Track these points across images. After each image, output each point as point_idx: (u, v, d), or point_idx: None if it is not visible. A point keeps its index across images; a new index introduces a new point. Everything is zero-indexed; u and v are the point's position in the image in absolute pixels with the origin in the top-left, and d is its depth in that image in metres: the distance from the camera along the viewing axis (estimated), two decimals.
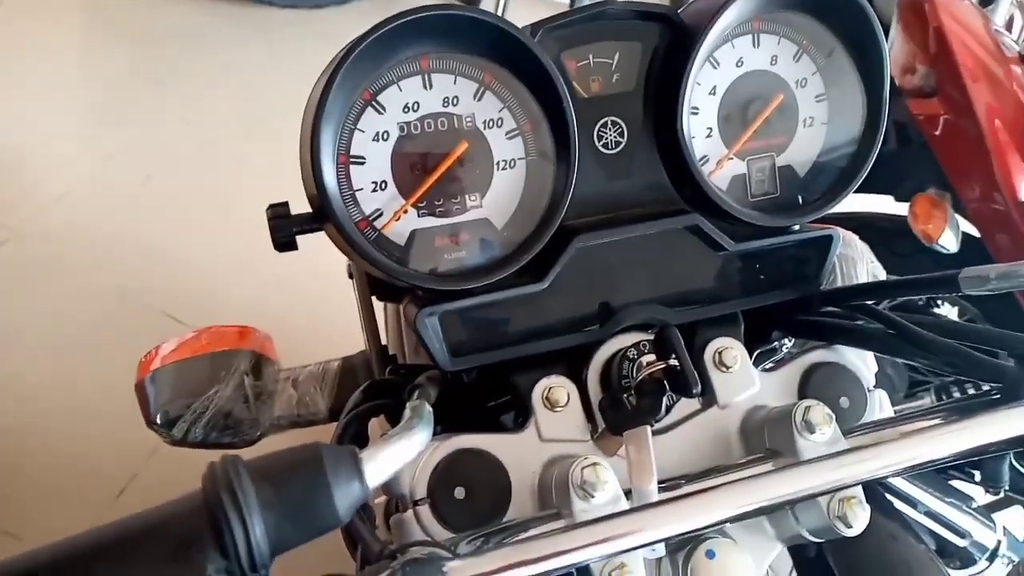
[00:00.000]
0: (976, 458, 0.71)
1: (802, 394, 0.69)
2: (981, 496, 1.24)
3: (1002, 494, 0.89)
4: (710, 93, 0.67)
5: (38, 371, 2.08)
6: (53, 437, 1.96)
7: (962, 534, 1.12)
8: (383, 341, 0.89)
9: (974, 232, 1.71)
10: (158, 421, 0.79)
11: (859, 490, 0.57)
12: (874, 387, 0.71)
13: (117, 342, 2.12)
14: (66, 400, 2.03)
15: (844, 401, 0.69)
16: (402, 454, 0.45)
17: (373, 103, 0.59)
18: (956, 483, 1.21)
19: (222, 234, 2.36)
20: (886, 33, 1.85)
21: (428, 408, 0.52)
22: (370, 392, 0.68)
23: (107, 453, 1.97)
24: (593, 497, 0.54)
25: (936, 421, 0.59)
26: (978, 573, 0.99)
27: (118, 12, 3.02)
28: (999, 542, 1.07)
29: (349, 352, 0.89)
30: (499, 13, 3.26)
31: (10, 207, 2.32)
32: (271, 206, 0.62)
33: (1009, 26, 2.43)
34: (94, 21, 3.00)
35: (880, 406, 0.71)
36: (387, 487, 0.62)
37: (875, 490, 0.77)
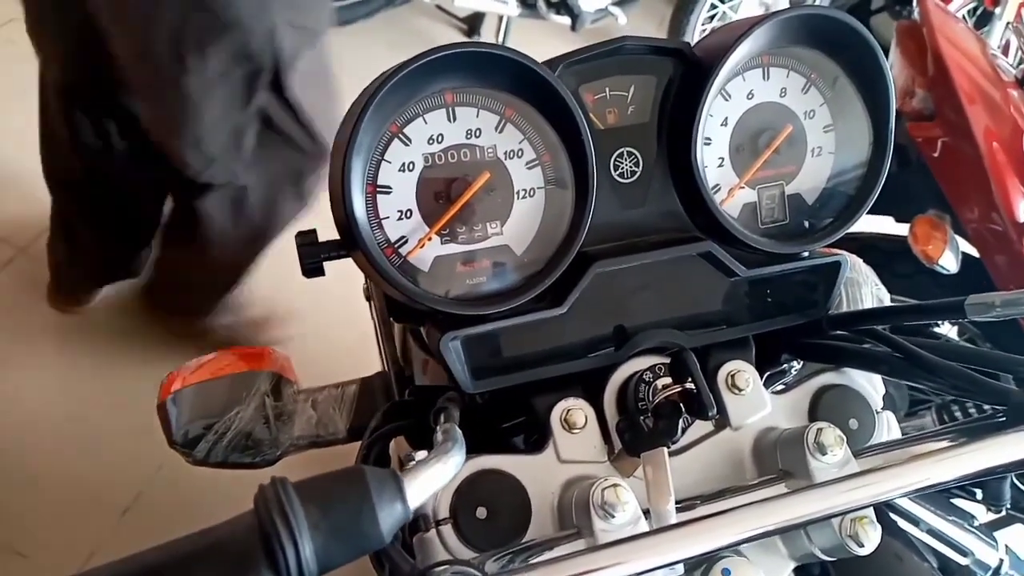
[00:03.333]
0: (982, 479, 0.73)
1: (812, 416, 0.71)
2: (983, 515, 1.26)
3: (1004, 512, 0.90)
4: (722, 124, 0.69)
5: (44, 388, 2.09)
6: (59, 455, 1.97)
7: (964, 552, 1.13)
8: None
9: (974, 252, 1.73)
10: (180, 441, 0.80)
11: (870, 510, 0.59)
12: (882, 409, 0.73)
13: (125, 359, 2.13)
14: (72, 417, 2.04)
15: (853, 423, 0.71)
16: (440, 476, 0.46)
17: (400, 135, 0.61)
18: (958, 501, 1.22)
19: None
20: (885, 56, 1.89)
21: (459, 431, 0.54)
22: (391, 413, 0.70)
23: (112, 471, 1.97)
24: (614, 517, 0.55)
25: (944, 443, 0.60)
26: None
27: None
28: (1001, 560, 1.08)
29: (361, 373, 0.91)
30: (499, 39, 3.31)
31: (15, 223, 2.33)
32: (299, 233, 0.64)
33: (1006, 50, 2.46)
34: None
35: (888, 427, 0.72)
36: None
37: (879, 508, 0.79)
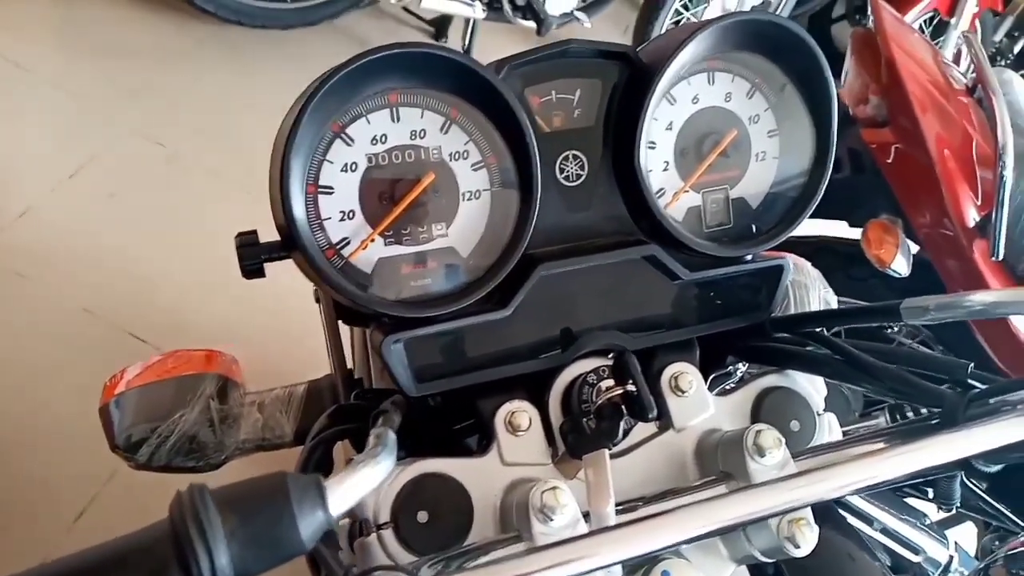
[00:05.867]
0: (918, 480, 0.74)
1: (755, 418, 0.71)
2: (934, 513, 1.28)
3: (954, 511, 0.92)
4: (667, 128, 0.70)
5: None
6: (13, 458, 1.92)
7: (916, 550, 1.15)
8: (349, 365, 0.90)
9: (926, 257, 1.76)
10: (122, 445, 0.79)
11: (808, 511, 0.59)
12: (824, 411, 0.74)
13: (80, 363, 2.09)
14: (27, 421, 1.99)
15: (795, 424, 0.72)
16: (366, 482, 0.46)
17: (342, 135, 0.61)
18: (911, 500, 1.24)
19: (187, 253, 2.34)
20: (842, 63, 1.92)
21: (392, 435, 0.53)
22: (336, 417, 0.69)
23: (68, 475, 1.93)
24: (552, 520, 0.55)
25: (880, 445, 0.61)
26: None
27: (90, 28, 2.99)
28: (951, 557, 1.11)
29: (319, 374, 0.90)
30: (465, 44, 3.31)
31: None
32: (239, 234, 0.63)
33: (957, 59, 2.52)
34: (66, 35, 2.97)
35: (829, 429, 0.73)
36: (351, 511, 0.63)
37: (832, 509, 0.80)
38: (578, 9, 3.31)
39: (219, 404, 0.80)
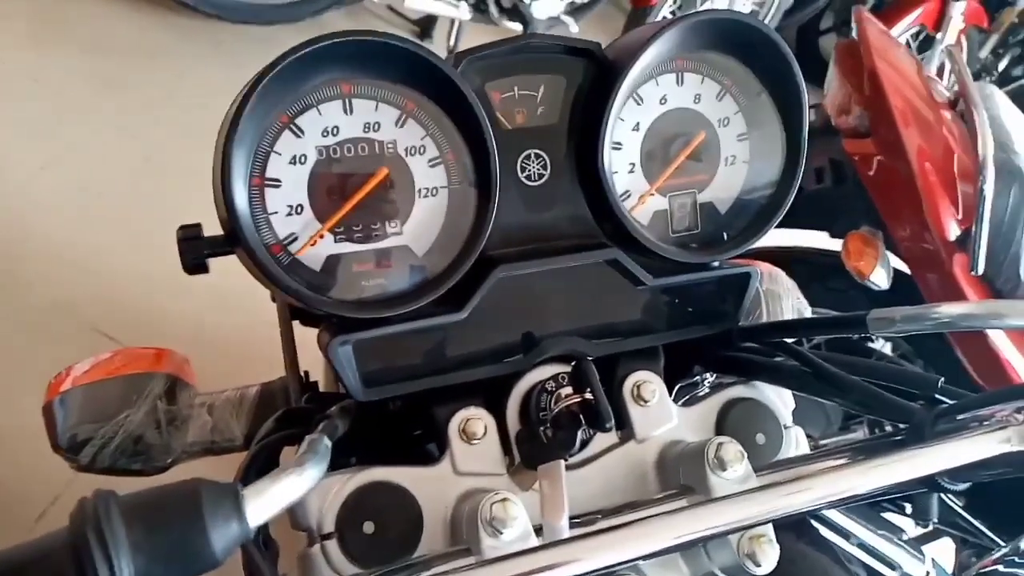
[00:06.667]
0: (886, 497, 0.72)
1: (719, 429, 0.69)
2: (912, 528, 1.27)
3: (931, 527, 0.90)
4: (633, 129, 0.67)
5: None
6: None
7: (892, 566, 1.14)
8: (306, 368, 0.87)
9: (906, 270, 1.76)
10: (64, 445, 0.76)
11: (770, 529, 0.57)
12: (791, 424, 0.72)
13: (46, 359, 2.03)
14: None
15: (760, 437, 0.70)
16: (289, 492, 0.43)
17: (291, 126, 0.58)
18: (888, 515, 1.23)
19: (159, 250, 2.27)
20: (825, 71, 1.91)
21: (326, 443, 0.51)
22: (283, 421, 0.66)
23: (29, 475, 1.88)
24: (502, 534, 0.53)
25: (844, 460, 0.59)
26: None
27: (68, 20, 2.95)
28: (928, 573, 1.09)
29: (271, 377, 0.87)
30: (451, 45, 3.29)
31: None
32: (182, 227, 0.60)
33: (940, 73, 2.52)
34: (42, 27, 2.92)
35: (796, 443, 0.71)
36: (295, 521, 0.60)
37: (807, 523, 0.78)
38: (565, 13, 3.29)
39: (167, 405, 0.77)
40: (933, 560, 1.10)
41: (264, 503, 0.41)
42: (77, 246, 2.33)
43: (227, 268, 0.73)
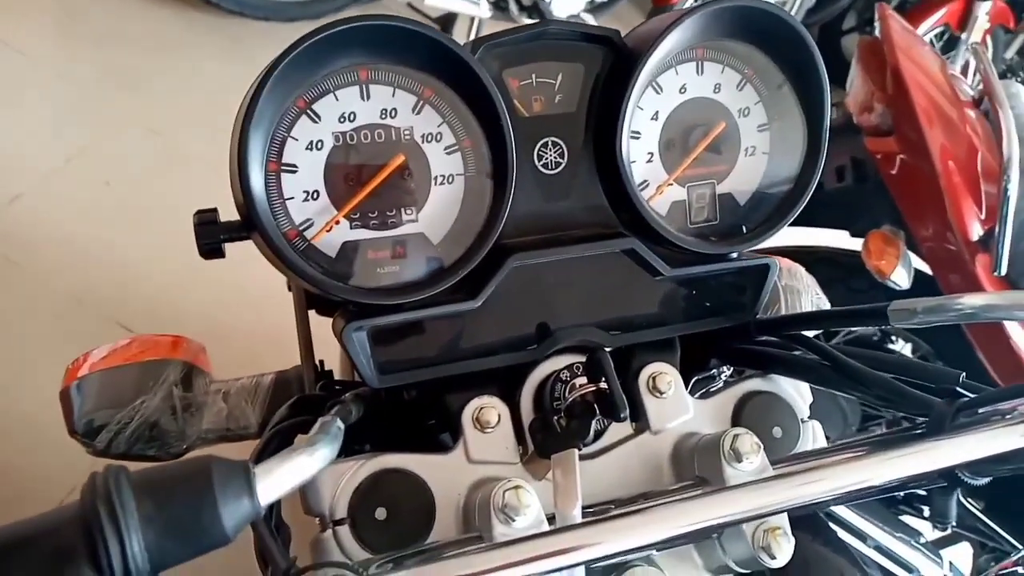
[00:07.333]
0: (904, 490, 0.71)
1: (736, 422, 0.68)
2: (929, 532, 1.25)
3: (949, 530, 0.89)
4: (652, 118, 0.67)
5: None
6: None
7: (909, 569, 1.12)
8: (321, 356, 0.87)
9: (927, 269, 1.73)
10: (81, 430, 0.77)
11: (784, 521, 0.56)
12: (808, 418, 0.71)
13: (67, 351, 2.05)
14: (11, 408, 1.97)
15: (777, 431, 0.69)
16: (301, 471, 0.43)
17: (308, 111, 0.58)
18: (906, 518, 1.22)
19: (181, 243, 2.30)
20: (847, 71, 1.89)
21: (338, 425, 0.50)
22: (297, 407, 0.66)
23: (50, 463, 1.90)
24: (514, 521, 0.52)
25: (862, 452, 0.58)
26: None
27: (93, 15, 2.98)
28: None
29: (286, 366, 0.87)
30: (473, 35, 3.29)
31: None
32: (198, 212, 0.60)
33: (965, 71, 2.49)
34: (67, 22, 2.95)
35: (814, 437, 0.70)
36: (307, 506, 0.60)
37: (823, 524, 0.77)
38: (585, 11, 3.29)
39: (183, 392, 0.78)
40: (951, 563, 1.08)
41: (275, 481, 0.41)
42: (98, 240, 2.35)
43: (244, 260, 0.73)
